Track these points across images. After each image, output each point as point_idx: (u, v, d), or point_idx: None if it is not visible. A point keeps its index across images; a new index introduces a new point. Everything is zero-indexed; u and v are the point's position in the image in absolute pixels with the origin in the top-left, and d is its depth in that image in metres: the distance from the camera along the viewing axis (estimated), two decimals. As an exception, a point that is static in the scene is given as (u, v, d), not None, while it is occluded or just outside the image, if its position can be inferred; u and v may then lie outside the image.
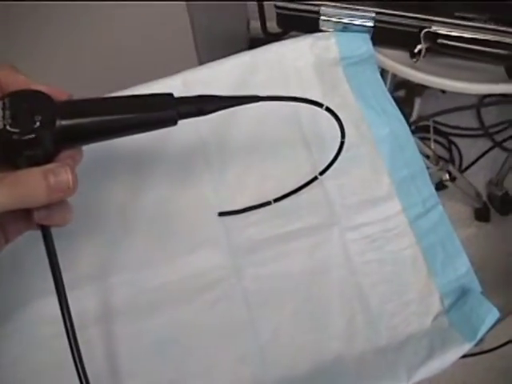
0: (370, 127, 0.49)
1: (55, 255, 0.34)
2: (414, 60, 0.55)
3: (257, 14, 0.73)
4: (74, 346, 0.33)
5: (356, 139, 0.48)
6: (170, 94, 0.35)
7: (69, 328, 0.33)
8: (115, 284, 0.44)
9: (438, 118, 1.22)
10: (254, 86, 0.50)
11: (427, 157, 0.99)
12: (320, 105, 0.39)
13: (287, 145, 0.49)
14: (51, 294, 0.33)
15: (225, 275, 0.45)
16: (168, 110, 0.35)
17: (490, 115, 1.26)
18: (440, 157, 1.07)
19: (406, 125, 0.49)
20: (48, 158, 0.32)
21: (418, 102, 0.99)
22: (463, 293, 0.44)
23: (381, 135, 0.49)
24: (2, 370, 0.42)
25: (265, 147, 0.49)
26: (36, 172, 0.31)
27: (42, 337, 0.43)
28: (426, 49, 0.53)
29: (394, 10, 0.52)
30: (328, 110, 0.39)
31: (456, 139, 1.25)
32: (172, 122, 0.35)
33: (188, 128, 0.36)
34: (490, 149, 1.24)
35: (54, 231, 0.34)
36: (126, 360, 0.42)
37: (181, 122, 0.35)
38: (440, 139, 1.23)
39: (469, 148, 1.24)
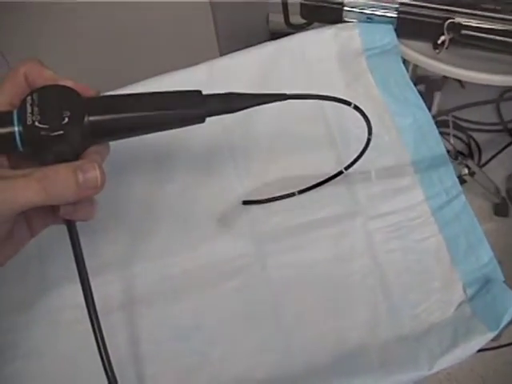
0: (393, 117, 0.49)
1: (80, 248, 0.34)
2: (437, 51, 0.55)
3: (276, 8, 0.73)
4: (97, 331, 0.34)
5: (379, 129, 0.48)
6: (198, 91, 0.35)
7: (92, 313, 0.34)
8: (138, 271, 0.45)
9: (457, 113, 1.20)
10: (277, 77, 0.50)
11: (447, 151, 0.98)
12: (348, 103, 0.38)
13: (312, 136, 0.49)
14: (75, 281, 0.34)
15: (248, 263, 0.45)
16: (196, 108, 0.35)
17: (510, 110, 1.24)
18: (459, 151, 1.06)
19: (429, 114, 0.49)
20: (75, 154, 0.32)
21: (437, 96, 0.99)
22: (486, 282, 0.44)
23: (404, 125, 0.49)
24: (28, 355, 0.43)
25: (289, 138, 0.49)
26: (65, 169, 0.31)
27: (66, 322, 0.43)
28: (450, 40, 0.52)
29: (418, 1, 0.51)
30: (356, 108, 0.39)
31: (475, 134, 1.24)
32: (200, 119, 0.35)
33: (212, 118, 0.36)
34: (510, 144, 1.22)
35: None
36: (148, 345, 0.43)
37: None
38: (459, 134, 1.22)
39: (488, 143, 1.23)
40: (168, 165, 0.48)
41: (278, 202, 0.47)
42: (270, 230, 0.46)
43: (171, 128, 0.36)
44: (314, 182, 0.47)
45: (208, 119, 0.35)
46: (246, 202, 0.47)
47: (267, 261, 0.45)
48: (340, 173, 0.46)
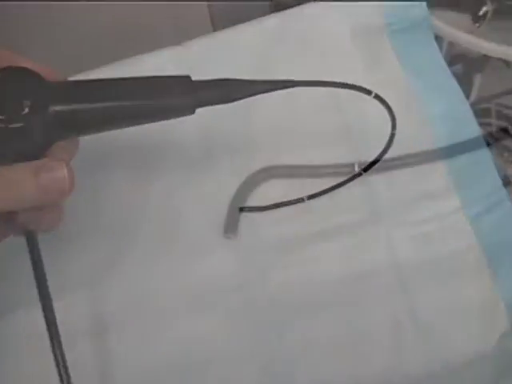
0: (421, 106, 0.45)
1: (41, 264, 0.31)
2: (478, 25, 0.51)
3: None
4: (60, 364, 0.31)
5: (406, 121, 0.42)
6: (187, 77, 0.32)
7: (55, 344, 0.31)
8: (113, 291, 0.41)
9: (501, 100, 1.15)
10: (282, 58, 0.47)
11: (488, 146, 0.94)
12: (368, 91, 0.36)
13: (323, 130, 0.46)
14: (36, 304, 0.31)
15: (248, 279, 0.41)
16: (184, 97, 0.32)
17: None
18: (504, 146, 1.01)
19: (466, 103, 0.45)
20: (38, 152, 0.30)
21: (477, 79, 0.93)
22: None
23: (436, 115, 0.45)
24: None
25: (296, 132, 0.45)
26: (24, 169, 0.29)
27: (25, 353, 0.40)
28: (493, 11, 0.50)
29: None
30: (377, 97, 0.36)
31: (523, 124, 1.18)
32: (188, 110, 0.32)
33: (205, 108, 0.33)
34: None
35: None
36: (126, 378, 0.39)
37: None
38: (504, 125, 1.16)
39: (539, 135, 1.17)
40: (152, 163, 0.44)
41: (283, 208, 0.43)
42: (272, 240, 0.42)
43: (154, 121, 0.33)
44: (327, 186, 0.43)
45: (200, 109, 0.33)
46: (243, 209, 0.43)
47: (270, 276, 0.41)
48: (358, 174, 0.43)
